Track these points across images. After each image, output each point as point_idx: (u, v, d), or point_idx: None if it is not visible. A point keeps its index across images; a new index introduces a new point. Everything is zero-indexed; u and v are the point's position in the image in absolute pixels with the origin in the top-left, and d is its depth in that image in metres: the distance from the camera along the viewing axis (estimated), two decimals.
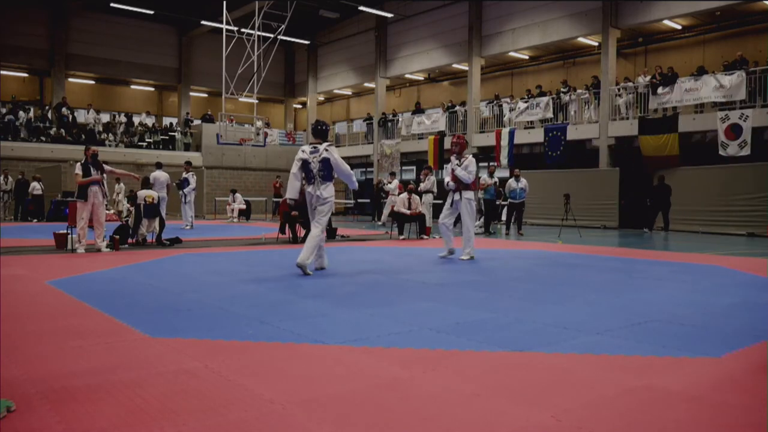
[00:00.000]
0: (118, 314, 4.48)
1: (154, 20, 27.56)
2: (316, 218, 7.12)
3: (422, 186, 15.21)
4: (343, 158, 7.76)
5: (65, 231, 9.67)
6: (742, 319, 4.59)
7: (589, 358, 3.41)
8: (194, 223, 16.30)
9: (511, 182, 14.69)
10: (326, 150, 6.99)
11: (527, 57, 23.39)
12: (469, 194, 8.64)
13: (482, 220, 15.34)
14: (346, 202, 28.04)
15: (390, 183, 18.55)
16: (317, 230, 7.03)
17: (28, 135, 23.99)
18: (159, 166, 15.15)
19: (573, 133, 19.11)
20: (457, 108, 23.54)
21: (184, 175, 16.08)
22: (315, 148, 7.04)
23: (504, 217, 16.11)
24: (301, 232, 12.24)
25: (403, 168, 26.37)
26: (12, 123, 23.69)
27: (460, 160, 8.67)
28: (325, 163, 6.97)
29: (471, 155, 8.88)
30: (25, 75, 27.77)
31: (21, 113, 24.22)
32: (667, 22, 18.60)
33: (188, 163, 16.65)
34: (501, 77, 25.05)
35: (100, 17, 27.04)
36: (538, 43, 21.14)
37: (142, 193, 10.69)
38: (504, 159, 20.51)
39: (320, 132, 7.21)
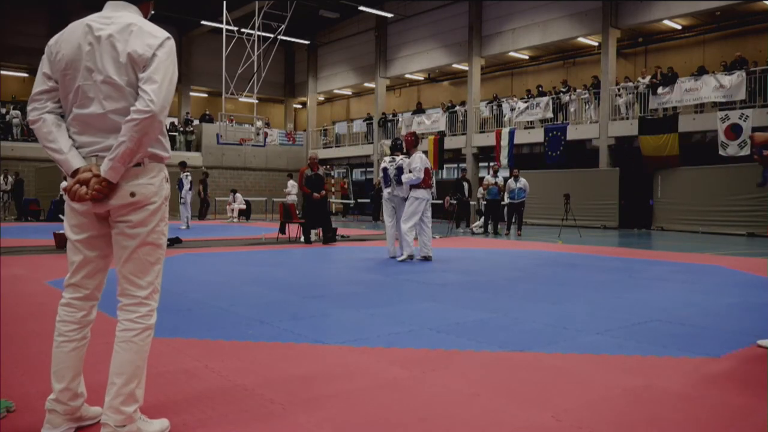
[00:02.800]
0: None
1: (154, 20, 27.18)
2: (401, 216, 8.66)
3: None
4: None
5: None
6: (742, 319, 4.59)
7: (589, 358, 3.41)
8: (190, 223, 16.23)
9: (510, 182, 14.67)
10: (401, 160, 8.74)
11: (527, 57, 23.38)
12: (417, 193, 8.51)
13: (482, 220, 15.36)
14: (345, 202, 28.04)
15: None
16: (405, 226, 8.52)
17: (27, 135, 23.99)
18: None
19: (573, 133, 19.10)
20: (457, 108, 23.53)
21: (180, 176, 16.03)
22: (393, 158, 8.85)
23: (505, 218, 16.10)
24: (301, 233, 12.26)
25: None
26: (11, 123, 23.72)
27: (409, 158, 8.69)
28: (400, 170, 8.66)
29: (421, 152, 8.71)
30: (25, 75, 27.75)
31: (18, 112, 24.21)
32: (667, 22, 18.59)
33: (182, 164, 16.52)
34: (501, 77, 25.04)
35: None
36: (538, 43, 21.13)
37: None
38: (504, 159, 20.50)
39: (396, 147, 8.99)
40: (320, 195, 11.17)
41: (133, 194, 2.13)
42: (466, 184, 16.73)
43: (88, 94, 2.13)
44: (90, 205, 2.14)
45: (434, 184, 9.09)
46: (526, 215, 17.17)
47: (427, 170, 8.51)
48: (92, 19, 2.18)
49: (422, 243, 8.60)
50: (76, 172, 2.11)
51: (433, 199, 8.84)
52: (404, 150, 8.88)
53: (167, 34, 2.19)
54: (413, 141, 8.73)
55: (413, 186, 8.52)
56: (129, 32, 2.12)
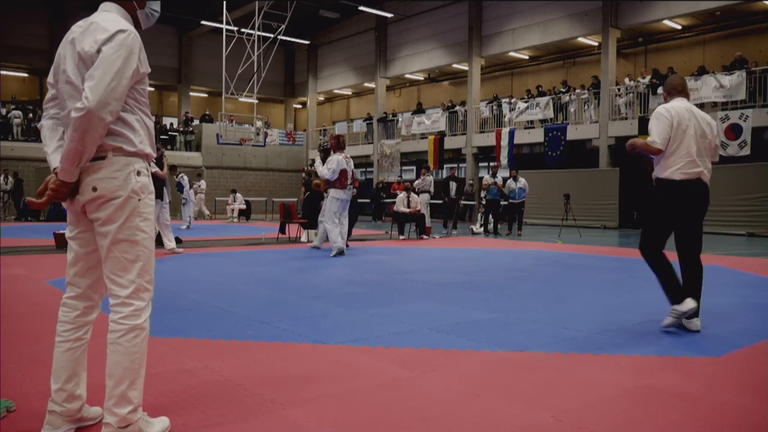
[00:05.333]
0: None
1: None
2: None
3: (417, 185, 15.20)
4: None
5: (65, 231, 9.66)
6: (742, 319, 4.59)
7: (589, 358, 3.41)
8: (192, 223, 16.23)
9: (510, 182, 14.70)
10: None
11: (527, 57, 23.38)
12: (332, 192, 9.28)
13: (483, 219, 15.35)
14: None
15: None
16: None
17: (27, 135, 23.99)
18: None
19: (573, 133, 19.10)
20: (457, 108, 23.54)
21: (177, 179, 16.05)
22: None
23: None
24: (301, 233, 12.26)
25: (403, 168, 26.39)
26: (11, 123, 23.72)
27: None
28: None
29: (342, 154, 9.31)
30: (25, 75, 27.75)
31: (19, 112, 24.20)
32: (667, 22, 18.59)
33: (173, 167, 16.49)
34: (501, 77, 25.04)
35: None
36: (538, 43, 21.13)
37: None
38: (504, 159, 20.50)
39: (325, 150, 9.64)
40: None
41: (94, 189, 2.13)
42: (453, 183, 16.37)
43: (63, 96, 2.18)
44: (69, 202, 2.20)
45: (351, 186, 9.58)
46: (526, 215, 17.15)
47: (344, 172, 9.17)
48: (77, 23, 2.21)
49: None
50: (55, 170, 2.17)
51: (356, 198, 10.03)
52: (332, 152, 9.52)
53: (121, 27, 2.09)
54: (335, 144, 9.52)
55: (329, 185, 9.31)
56: (88, 31, 2.11)
